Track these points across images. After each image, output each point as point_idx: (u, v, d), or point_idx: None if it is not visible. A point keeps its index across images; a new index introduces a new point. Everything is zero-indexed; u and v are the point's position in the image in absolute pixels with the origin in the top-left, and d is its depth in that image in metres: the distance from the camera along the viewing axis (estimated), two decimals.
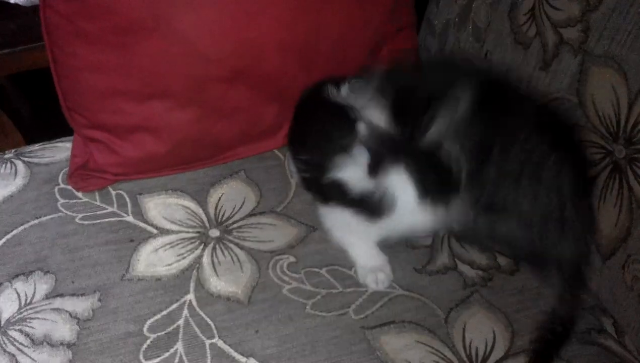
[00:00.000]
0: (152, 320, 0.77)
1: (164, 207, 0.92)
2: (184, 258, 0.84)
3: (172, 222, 0.90)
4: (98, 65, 0.87)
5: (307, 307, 0.79)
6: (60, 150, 1.01)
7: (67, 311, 0.77)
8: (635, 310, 0.74)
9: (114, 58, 0.86)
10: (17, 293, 0.79)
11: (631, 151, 0.72)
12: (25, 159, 0.99)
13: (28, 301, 0.78)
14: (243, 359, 0.73)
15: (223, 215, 0.91)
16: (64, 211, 0.90)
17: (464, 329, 0.77)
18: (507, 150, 0.74)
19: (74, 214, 0.90)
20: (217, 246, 0.86)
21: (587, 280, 0.79)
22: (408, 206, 0.77)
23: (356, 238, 0.84)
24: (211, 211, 0.92)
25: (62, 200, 0.92)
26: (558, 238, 0.76)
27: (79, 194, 0.93)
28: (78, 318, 0.76)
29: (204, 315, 0.77)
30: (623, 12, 0.72)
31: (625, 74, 0.71)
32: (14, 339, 0.74)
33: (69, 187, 0.94)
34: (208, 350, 0.74)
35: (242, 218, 0.91)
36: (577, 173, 0.76)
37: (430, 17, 1.15)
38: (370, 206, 0.77)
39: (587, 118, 0.78)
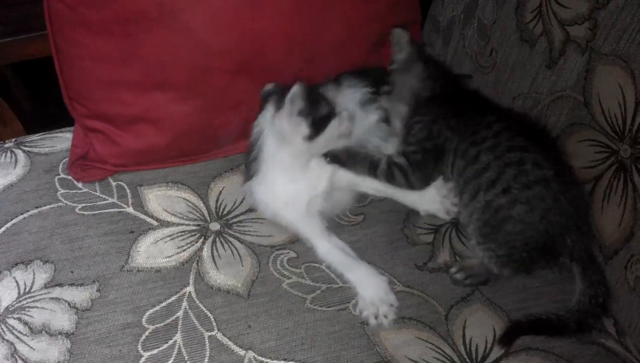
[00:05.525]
0: (151, 311, 0.76)
1: (164, 199, 0.92)
2: (184, 250, 0.84)
3: (173, 215, 0.89)
4: (101, 54, 0.86)
5: (307, 301, 0.79)
6: (60, 140, 1.01)
7: (66, 301, 0.77)
8: (637, 311, 0.74)
9: (117, 48, 0.86)
10: (17, 281, 0.78)
11: (637, 150, 0.72)
12: (26, 149, 0.98)
13: (27, 290, 0.77)
14: (242, 352, 0.73)
15: (224, 209, 0.91)
16: (64, 201, 0.90)
17: (464, 326, 0.77)
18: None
19: (74, 204, 0.89)
20: (217, 239, 0.86)
21: (599, 262, 0.79)
22: None
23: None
24: (212, 204, 0.92)
25: (62, 190, 0.91)
26: (562, 225, 0.76)
27: (79, 184, 0.93)
28: (77, 308, 0.76)
29: (203, 308, 0.77)
30: (632, 10, 0.71)
31: (632, 72, 0.71)
32: (13, 327, 0.73)
33: (69, 177, 0.93)
34: (207, 342, 0.73)
35: (242, 213, 0.90)
36: (559, 167, 0.78)
37: (434, 14, 1.14)
38: None
39: (592, 117, 0.78)
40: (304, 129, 0.82)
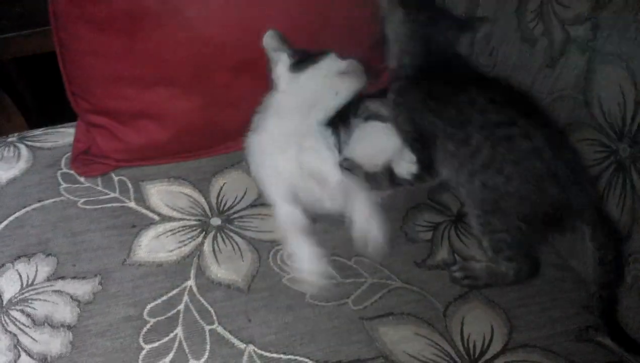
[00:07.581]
0: (152, 304, 0.77)
1: (166, 194, 0.92)
2: (185, 245, 0.85)
3: (174, 210, 0.90)
4: (104, 50, 0.87)
5: (307, 296, 0.79)
6: (63, 135, 1.01)
7: (68, 293, 0.77)
8: (634, 309, 0.74)
9: (120, 43, 0.86)
10: (19, 274, 0.79)
11: (636, 150, 0.72)
12: (29, 143, 0.99)
13: (30, 282, 0.78)
14: (242, 345, 0.73)
15: (225, 205, 0.91)
16: (67, 195, 0.90)
17: (462, 323, 0.77)
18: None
19: (76, 198, 0.90)
20: (218, 234, 0.87)
21: (613, 220, 0.77)
22: None
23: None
24: (213, 200, 0.92)
25: (64, 185, 0.92)
26: (560, 191, 0.75)
27: (82, 179, 0.93)
28: (79, 301, 0.77)
29: (204, 301, 0.78)
30: (633, 11, 0.71)
31: (633, 72, 0.71)
32: (16, 319, 0.74)
33: (72, 172, 0.94)
34: (207, 336, 0.74)
35: (243, 209, 0.91)
36: (548, 132, 0.77)
37: None
38: None
39: (592, 116, 0.78)
40: (285, 58, 0.86)
